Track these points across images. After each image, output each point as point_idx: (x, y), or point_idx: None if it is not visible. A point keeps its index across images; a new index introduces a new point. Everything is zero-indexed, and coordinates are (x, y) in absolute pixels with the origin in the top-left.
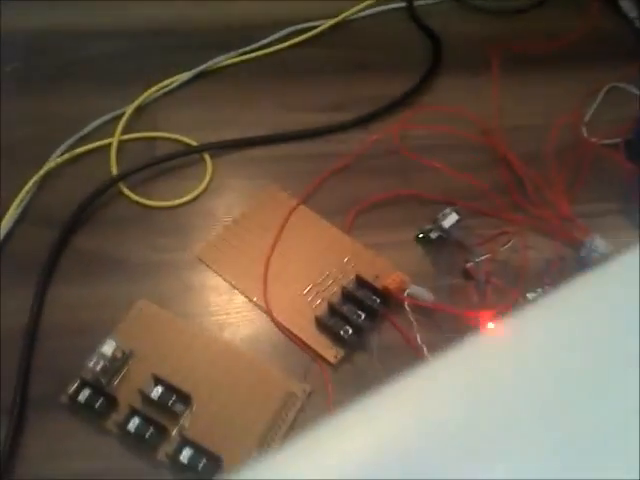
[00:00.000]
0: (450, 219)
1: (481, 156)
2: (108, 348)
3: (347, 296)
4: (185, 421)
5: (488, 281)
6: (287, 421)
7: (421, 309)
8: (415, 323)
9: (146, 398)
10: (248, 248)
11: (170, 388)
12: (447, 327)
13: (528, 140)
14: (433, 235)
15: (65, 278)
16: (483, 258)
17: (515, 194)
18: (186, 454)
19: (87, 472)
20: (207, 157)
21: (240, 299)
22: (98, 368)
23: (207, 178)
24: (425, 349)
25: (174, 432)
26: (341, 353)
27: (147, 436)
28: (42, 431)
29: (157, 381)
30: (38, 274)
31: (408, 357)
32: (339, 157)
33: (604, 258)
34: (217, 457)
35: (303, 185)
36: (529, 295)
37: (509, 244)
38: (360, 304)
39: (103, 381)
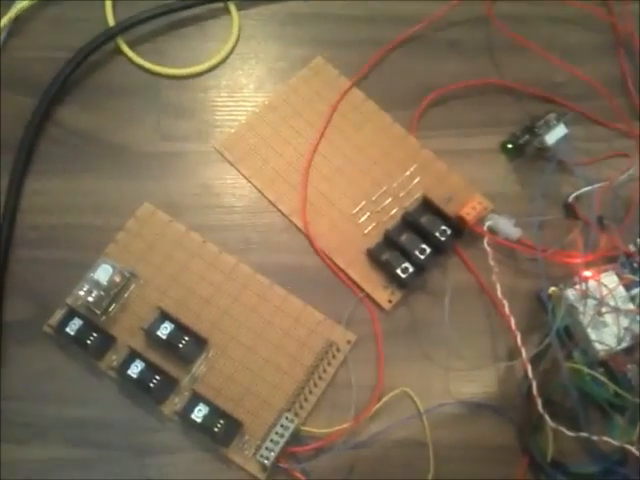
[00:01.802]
0: (556, 132)
1: (597, 38)
2: (103, 274)
3: (409, 222)
4: (198, 370)
5: (599, 221)
6: (325, 378)
7: (503, 247)
8: (494, 265)
9: (151, 337)
10: (282, 143)
11: (181, 327)
12: (535, 273)
13: None
14: (527, 146)
15: (47, 167)
16: (593, 188)
17: (635, 95)
18: (199, 413)
19: (79, 421)
20: (233, 9)
21: (271, 214)
22: (91, 298)
23: (233, 39)
24: (506, 302)
25: (185, 382)
26: (397, 296)
27: (152, 385)
28: (23, 367)
29: (164, 316)
30: (12, 161)
31: (481, 306)
32: (408, 22)
33: None
34: (236, 421)
35: (359, 60)
36: None
37: (629, 171)
38: (424, 234)
39: (98, 311)
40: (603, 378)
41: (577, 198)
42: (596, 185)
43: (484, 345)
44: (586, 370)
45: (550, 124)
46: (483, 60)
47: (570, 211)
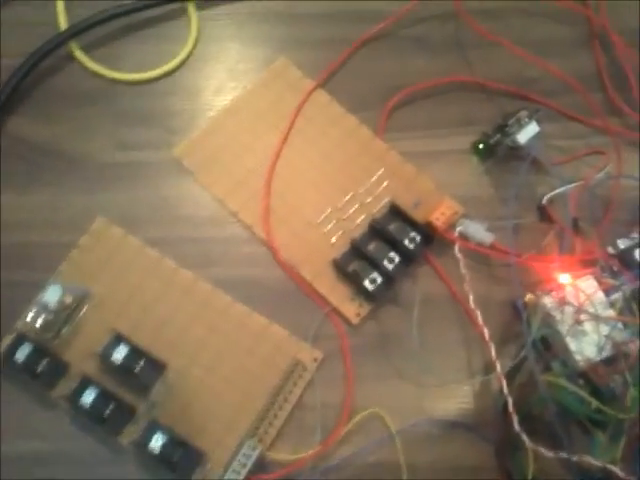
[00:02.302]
0: (528, 131)
1: (570, 31)
2: (52, 296)
3: (376, 230)
4: (156, 396)
5: (574, 224)
6: (291, 400)
7: (476, 253)
8: (466, 273)
9: (105, 362)
10: (244, 150)
11: (137, 350)
12: (510, 280)
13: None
14: (499, 146)
15: None
16: (567, 189)
17: (611, 89)
18: (157, 442)
19: (28, 455)
20: (192, 9)
21: (232, 225)
22: (40, 322)
23: (191, 41)
24: (479, 312)
25: (142, 409)
26: (365, 309)
27: (106, 414)
28: None
29: (119, 339)
30: None
31: (454, 317)
32: (374, 20)
33: None
34: (197, 450)
35: (323, 60)
36: (620, 242)
37: (606, 169)
38: (393, 242)
39: (48, 335)
40: (582, 392)
41: (552, 199)
42: (570, 185)
43: (458, 359)
44: (564, 384)
45: (522, 122)
46: (452, 57)
47: (544, 214)
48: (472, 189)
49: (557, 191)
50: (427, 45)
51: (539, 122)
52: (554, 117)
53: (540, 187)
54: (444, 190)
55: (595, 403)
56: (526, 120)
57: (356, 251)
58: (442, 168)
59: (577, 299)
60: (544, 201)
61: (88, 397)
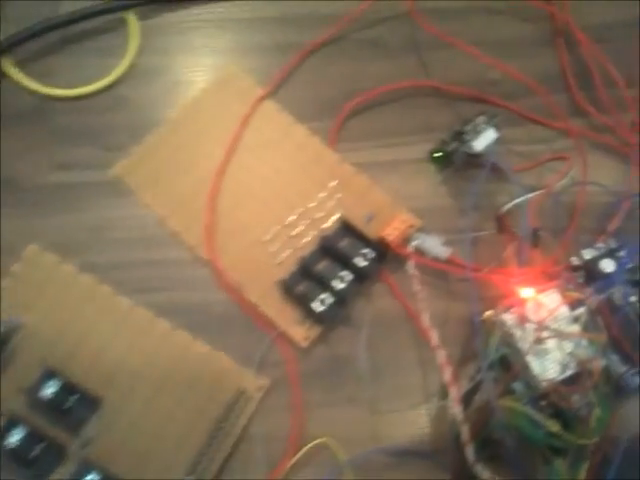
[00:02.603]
0: (485, 137)
1: (534, 30)
2: None
3: (326, 248)
4: (90, 434)
5: (534, 235)
6: (234, 432)
7: (432, 269)
8: (420, 290)
9: (34, 398)
10: (189, 166)
11: (69, 384)
12: (467, 295)
13: (603, 9)
14: (456, 154)
15: None
16: (524, 199)
17: (576, 90)
18: None
19: None
20: (132, 19)
21: (174, 246)
22: None
23: (131, 52)
24: (434, 332)
25: (73, 449)
26: (315, 331)
27: (34, 455)
28: None
29: (50, 373)
30: None
31: (411, 338)
32: (326, 23)
33: None
34: None
35: (273, 67)
36: (585, 252)
37: (570, 175)
38: (344, 260)
39: None
40: (539, 416)
41: (512, 209)
42: (530, 194)
43: (415, 382)
44: (520, 408)
45: (479, 128)
46: (409, 60)
47: (502, 225)
48: (430, 200)
49: (516, 201)
50: (382, 49)
51: (498, 127)
52: (516, 121)
53: (501, 196)
54: (400, 202)
55: (551, 428)
56: (483, 126)
57: (304, 270)
58: (398, 179)
59: (539, 315)
60: (503, 211)
61: (14, 437)
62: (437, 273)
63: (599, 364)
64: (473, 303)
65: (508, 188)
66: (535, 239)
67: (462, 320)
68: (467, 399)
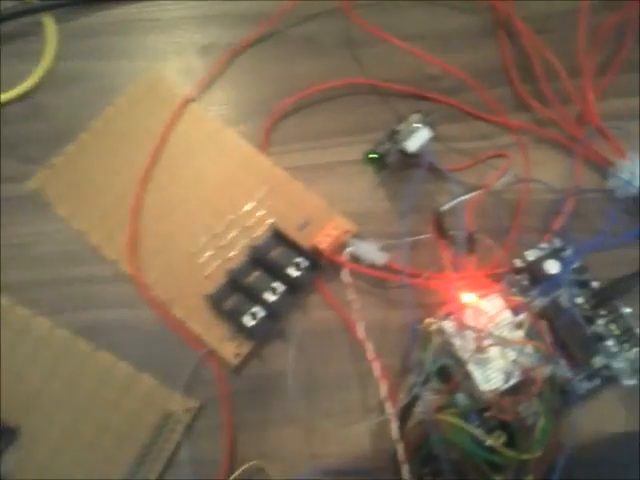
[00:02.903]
0: (419, 136)
1: (475, 21)
2: None
3: (257, 258)
4: (6, 467)
5: (469, 239)
6: (162, 458)
7: (369, 276)
8: (355, 300)
9: None
10: (110, 175)
11: None
12: (405, 301)
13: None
14: (390, 155)
15: None
16: (466, 198)
17: (518, 83)
18: None
19: None
20: (49, 23)
21: (95, 262)
22: None
23: (49, 58)
24: (369, 344)
25: None
26: (246, 348)
27: None
28: None
29: None
30: None
31: (348, 350)
32: (254, 20)
33: None
34: None
35: (199, 69)
36: (529, 253)
37: (506, 175)
38: (276, 270)
39: None
40: (479, 432)
41: (449, 211)
42: (465, 196)
43: (354, 397)
44: (459, 424)
45: (413, 127)
46: (344, 57)
47: (438, 228)
48: (367, 204)
49: (452, 202)
50: (316, 46)
51: (433, 125)
52: (457, 117)
53: (441, 196)
54: (336, 207)
55: (493, 442)
56: (418, 124)
57: (234, 283)
58: (334, 182)
59: (480, 321)
60: (439, 213)
61: None
62: (375, 280)
63: (542, 372)
64: (410, 311)
65: (449, 188)
66: (471, 244)
67: (402, 329)
68: (404, 414)
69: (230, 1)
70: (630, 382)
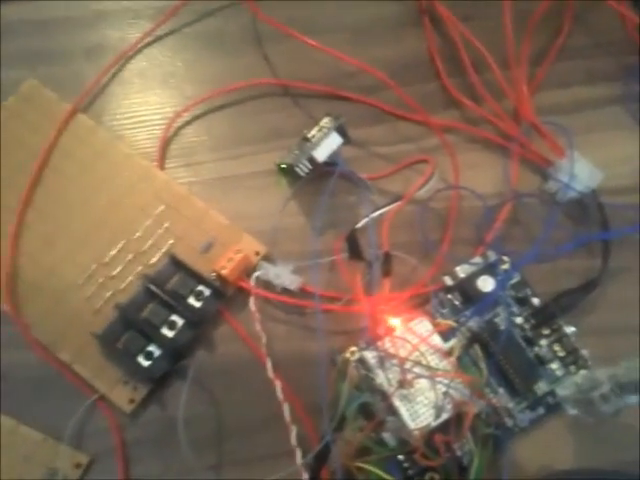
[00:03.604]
0: (328, 144)
1: (397, 9)
2: None
3: (153, 288)
4: None
5: (386, 256)
6: None
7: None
8: (262, 332)
9: None
10: None
11: None
12: (333, 331)
13: None
14: (302, 164)
15: None
16: (382, 212)
17: (445, 77)
18: None
19: None
20: None
21: None
22: None
23: None
24: (278, 382)
25: None
26: (141, 392)
27: None
28: None
29: None
30: None
31: (261, 387)
32: (148, 18)
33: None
34: None
35: (86, 76)
36: (459, 269)
37: (430, 182)
38: (175, 302)
39: None
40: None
41: (366, 227)
42: (380, 210)
43: (268, 440)
44: (376, 473)
45: (323, 132)
46: (252, 56)
47: (353, 246)
48: (279, 220)
49: (367, 219)
50: (219, 44)
51: (345, 129)
52: (378, 118)
53: (364, 209)
54: (244, 225)
55: None
56: (326, 130)
57: (126, 318)
58: (242, 197)
59: (405, 350)
60: (351, 231)
61: None
62: (291, 307)
63: (474, 406)
64: (325, 341)
65: (374, 199)
66: (386, 264)
67: (322, 360)
68: (317, 462)
69: None
70: (573, 412)
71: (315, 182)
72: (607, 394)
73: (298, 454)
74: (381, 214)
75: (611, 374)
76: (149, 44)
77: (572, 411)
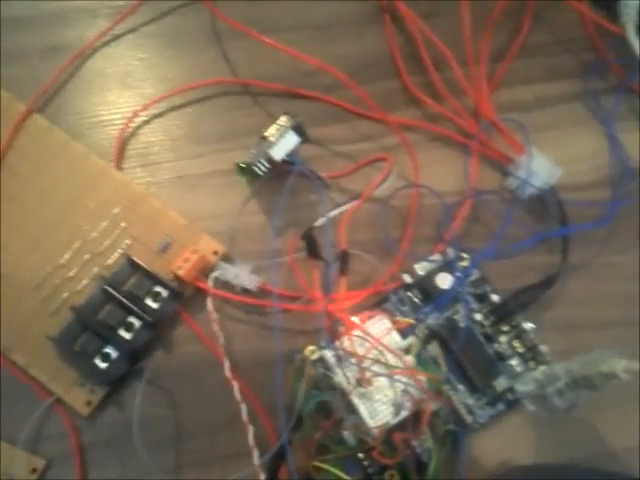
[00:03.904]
0: (285, 143)
1: (353, 7)
2: None
3: (109, 290)
4: None
5: (343, 255)
6: None
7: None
8: (220, 332)
9: None
10: None
11: None
12: (293, 330)
13: None
14: (260, 163)
15: None
16: (340, 211)
17: (406, 75)
18: None
19: None
20: None
21: None
22: None
23: None
24: (235, 383)
25: None
26: (99, 394)
27: None
28: None
29: None
30: None
31: (221, 388)
32: (103, 16)
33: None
34: None
35: (40, 76)
36: (418, 266)
37: (388, 180)
38: (132, 303)
39: None
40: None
41: (324, 225)
42: (338, 209)
43: (228, 441)
44: (332, 470)
45: (282, 131)
46: (211, 55)
47: (311, 246)
48: (239, 219)
49: (324, 218)
50: (178, 42)
51: (300, 128)
52: (340, 116)
53: (324, 207)
54: (203, 224)
55: None
56: (285, 128)
57: (83, 320)
58: (201, 197)
59: (364, 348)
60: (307, 230)
61: None
62: (250, 307)
63: (430, 405)
64: (285, 340)
65: (334, 197)
66: (343, 263)
67: (283, 359)
68: (275, 463)
69: None
70: (532, 407)
71: (275, 181)
72: (562, 389)
73: (255, 454)
74: (340, 213)
75: (567, 369)
76: (107, 43)
77: (531, 407)
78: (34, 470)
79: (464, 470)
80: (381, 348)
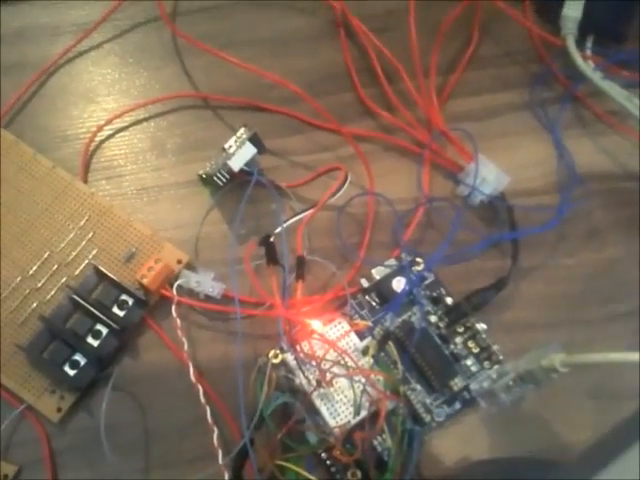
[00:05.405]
0: (242, 154)
1: (310, 22)
2: None
3: (77, 299)
4: None
5: (300, 261)
6: None
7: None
8: (185, 338)
9: None
10: None
11: None
12: (256, 335)
13: None
14: (219, 175)
15: None
16: (297, 219)
17: (360, 87)
18: None
19: None
20: None
21: None
22: None
23: None
24: (200, 387)
25: None
26: (69, 401)
27: None
28: None
29: None
30: None
31: (187, 392)
32: (68, 34)
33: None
34: None
35: (3, 91)
36: (375, 271)
37: (344, 188)
38: (99, 312)
39: None
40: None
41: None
42: (295, 217)
43: (193, 444)
44: (294, 469)
45: (240, 140)
46: (172, 70)
47: (270, 252)
48: (202, 229)
49: (281, 226)
50: (139, 58)
51: (256, 139)
52: (298, 128)
53: (285, 216)
54: (167, 234)
55: None
56: (241, 136)
57: (52, 329)
58: (164, 207)
59: (325, 350)
60: (264, 237)
61: None
62: (214, 314)
63: (385, 404)
64: (247, 345)
65: (293, 206)
66: (300, 268)
67: (245, 364)
68: (238, 463)
69: (37, 13)
70: (483, 404)
71: (236, 191)
72: (509, 385)
73: (220, 455)
74: (296, 221)
75: (514, 366)
76: (70, 60)
77: (484, 404)
78: (5, 477)
79: (412, 468)
80: (338, 350)
